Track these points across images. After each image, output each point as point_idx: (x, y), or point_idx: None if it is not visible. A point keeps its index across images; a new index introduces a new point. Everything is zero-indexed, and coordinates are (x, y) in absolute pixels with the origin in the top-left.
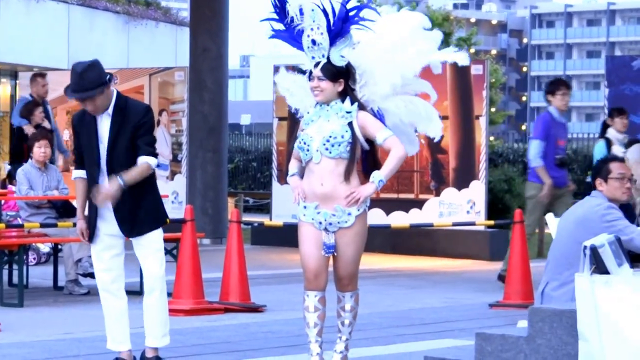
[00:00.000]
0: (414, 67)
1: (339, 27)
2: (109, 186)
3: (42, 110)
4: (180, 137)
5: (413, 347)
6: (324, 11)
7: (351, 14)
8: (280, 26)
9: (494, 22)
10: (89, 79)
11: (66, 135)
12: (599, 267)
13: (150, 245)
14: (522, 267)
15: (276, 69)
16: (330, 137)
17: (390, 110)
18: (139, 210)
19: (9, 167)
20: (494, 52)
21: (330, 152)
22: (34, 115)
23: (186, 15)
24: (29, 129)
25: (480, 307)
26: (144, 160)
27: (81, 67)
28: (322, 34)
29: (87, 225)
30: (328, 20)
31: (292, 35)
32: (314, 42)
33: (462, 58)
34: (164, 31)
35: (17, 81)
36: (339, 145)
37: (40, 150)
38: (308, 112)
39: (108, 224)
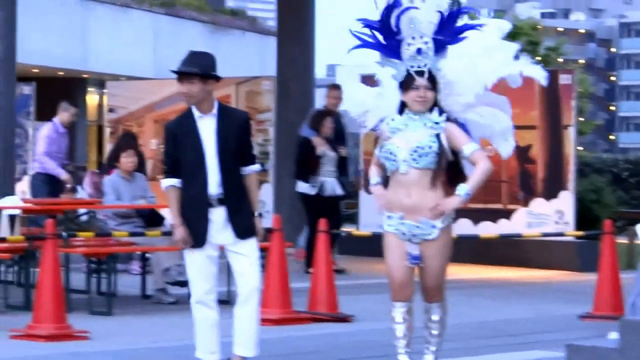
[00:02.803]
0: (494, 79)
1: (450, 38)
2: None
3: (332, 121)
4: (267, 146)
5: (502, 359)
6: (441, 22)
7: (460, 23)
8: (369, 36)
9: (582, 31)
10: (198, 61)
11: (153, 144)
12: None
13: (251, 254)
14: (612, 278)
15: (363, 79)
16: (418, 147)
17: (473, 119)
18: (244, 213)
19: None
20: (581, 61)
21: (417, 163)
22: (322, 126)
23: (272, 24)
24: (317, 141)
25: (569, 318)
26: (253, 169)
27: (198, 51)
28: (426, 43)
29: (190, 229)
30: (438, 31)
31: (388, 44)
32: (419, 51)
33: (539, 74)
34: (251, 40)
35: (104, 90)
36: (427, 155)
37: (128, 160)
38: (393, 119)
39: (216, 231)
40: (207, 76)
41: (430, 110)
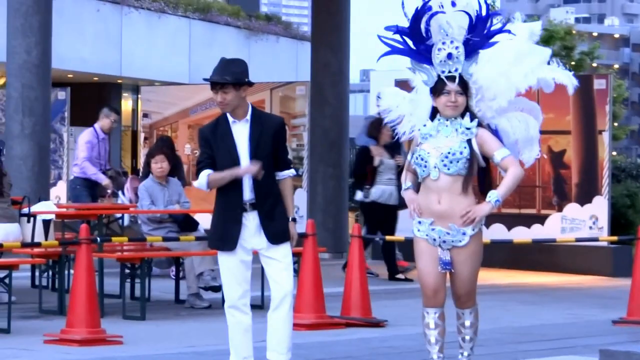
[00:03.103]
0: (526, 84)
1: (481, 43)
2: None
3: (389, 128)
4: (301, 151)
5: None
6: (471, 26)
7: (494, 27)
8: (399, 42)
9: (617, 36)
10: (231, 69)
11: (187, 149)
12: None
13: (284, 259)
14: None
15: (397, 84)
16: (449, 153)
17: (504, 126)
18: (278, 218)
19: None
20: (616, 66)
21: (448, 169)
22: (381, 134)
23: (307, 29)
24: (375, 151)
25: (603, 323)
26: (287, 174)
27: (229, 58)
28: (457, 48)
29: (222, 233)
30: (469, 35)
31: (417, 49)
32: (450, 55)
33: (569, 81)
34: (285, 46)
35: (139, 95)
36: (457, 162)
37: (157, 165)
38: (425, 125)
39: (250, 236)
40: (240, 83)
41: (462, 115)
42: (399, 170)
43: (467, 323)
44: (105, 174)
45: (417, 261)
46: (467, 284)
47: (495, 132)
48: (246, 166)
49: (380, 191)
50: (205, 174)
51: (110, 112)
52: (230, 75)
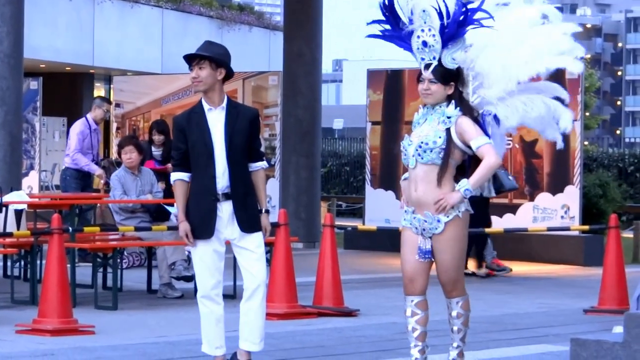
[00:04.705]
0: (528, 71)
1: (454, 30)
2: None
3: None
4: (273, 141)
5: (507, 353)
6: (439, 13)
7: (462, 17)
8: (386, 27)
9: (589, 26)
10: (213, 48)
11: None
12: None
13: (257, 249)
14: (617, 272)
15: (369, 74)
16: (422, 143)
17: (504, 113)
18: (250, 207)
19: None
20: (588, 56)
21: (422, 158)
22: None
23: (279, 19)
24: None
25: (574, 312)
26: (260, 166)
27: (213, 42)
28: (433, 35)
29: (198, 221)
30: (442, 23)
31: (399, 35)
32: (425, 43)
33: (575, 66)
34: (257, 35)
35: (112, 85)
36: (431, 151)
37: (126, 156)
38: (417, 113)
39: (223, 226)
40: (217, 63)
41: (449, 103)
42: None
43: (454, 314)
44: (98, 164)
45: (401, 249)
46: (448, 271)
47: (482, 122)
48: (182, 230)
49: None
50: (175, 177)
51: (103, 103)
52: (210, 52)
